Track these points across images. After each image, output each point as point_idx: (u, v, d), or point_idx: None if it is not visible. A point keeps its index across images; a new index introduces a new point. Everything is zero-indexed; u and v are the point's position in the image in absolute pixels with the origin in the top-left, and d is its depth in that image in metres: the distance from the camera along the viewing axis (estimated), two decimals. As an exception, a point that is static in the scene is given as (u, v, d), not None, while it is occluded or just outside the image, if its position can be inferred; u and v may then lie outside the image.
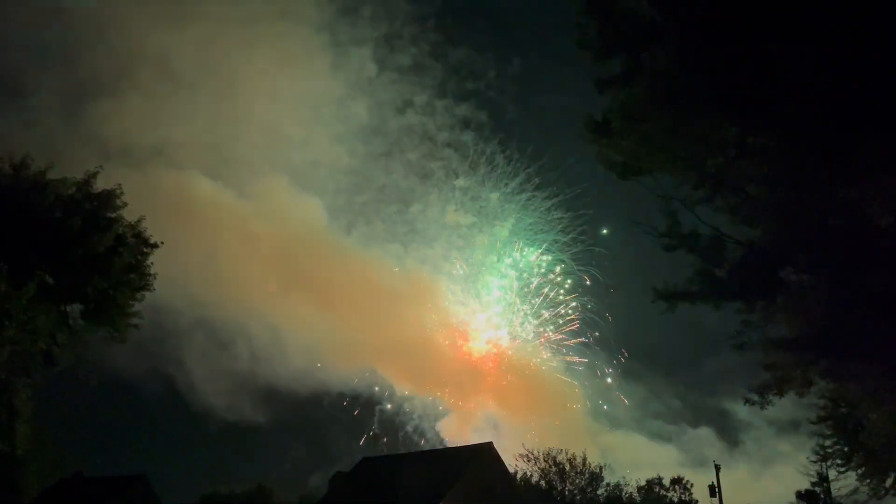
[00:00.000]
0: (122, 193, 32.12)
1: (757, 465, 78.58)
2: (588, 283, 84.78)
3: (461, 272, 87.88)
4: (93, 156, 69.90)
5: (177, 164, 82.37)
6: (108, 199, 31.88)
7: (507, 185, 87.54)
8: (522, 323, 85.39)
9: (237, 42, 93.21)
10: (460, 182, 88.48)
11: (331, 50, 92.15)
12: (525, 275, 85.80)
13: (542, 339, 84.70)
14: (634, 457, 76.69)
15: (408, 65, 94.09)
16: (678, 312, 23.24)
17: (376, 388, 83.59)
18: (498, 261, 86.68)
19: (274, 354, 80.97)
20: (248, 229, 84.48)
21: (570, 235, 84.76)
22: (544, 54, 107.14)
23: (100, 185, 32.00)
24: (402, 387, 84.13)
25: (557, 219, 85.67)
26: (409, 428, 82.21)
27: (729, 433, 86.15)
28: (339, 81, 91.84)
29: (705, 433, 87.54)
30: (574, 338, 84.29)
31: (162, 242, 32.99)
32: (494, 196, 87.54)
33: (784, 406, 25.20)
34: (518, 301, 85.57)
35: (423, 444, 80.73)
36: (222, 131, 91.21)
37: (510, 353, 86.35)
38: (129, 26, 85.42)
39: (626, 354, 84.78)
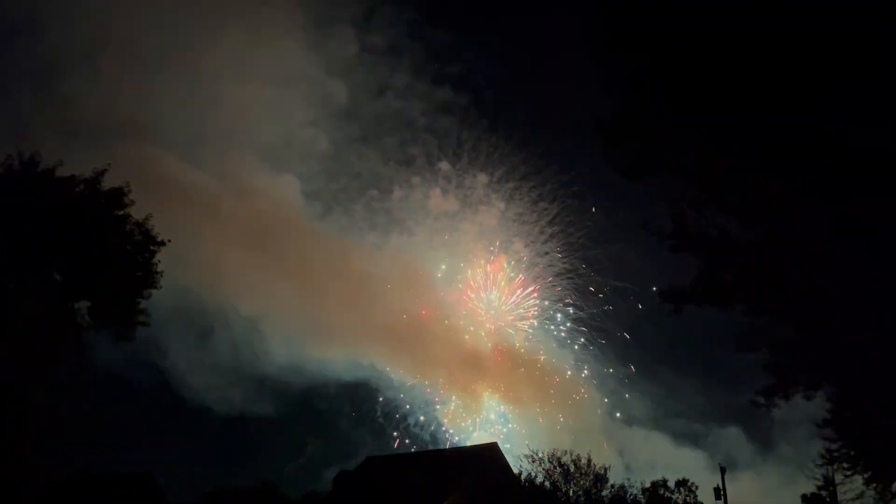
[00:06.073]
0: (129, 191, 32.31)
1: (791, 469, 73.37)
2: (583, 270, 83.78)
3: (448, 258, 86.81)
4: (58, 136, 69.13)
5: (146, 144, 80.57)
6: (117, 197, 32.09)
7: (492, 173, 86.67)
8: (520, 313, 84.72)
9: (208, 18, 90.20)
10: (444, 166, 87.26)
11: (307, 29, 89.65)
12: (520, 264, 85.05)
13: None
14: (656, 457, 74.77)
15: (387, 46, 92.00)
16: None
17: (377, 378, 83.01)
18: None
19: (265, 344, 79.87)
20: (223, 212, 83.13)
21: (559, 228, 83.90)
22: (530, 38, 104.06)
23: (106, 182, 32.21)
24: (403, 377, 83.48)
25: (544, 209, 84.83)
26: (412, 420, 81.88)
27: (761, 433, 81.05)
28: (314, 62, 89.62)
29: (734, 433, 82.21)
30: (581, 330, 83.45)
31: (169, 240, 33.15)
32: (479, 183, 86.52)
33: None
34: (509, 292, 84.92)
35: (427, 437, 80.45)
36: (193, 111, 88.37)
37: (513, 343, 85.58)
38: (95, 1, 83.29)
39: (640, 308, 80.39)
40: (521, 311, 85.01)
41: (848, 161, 16.84)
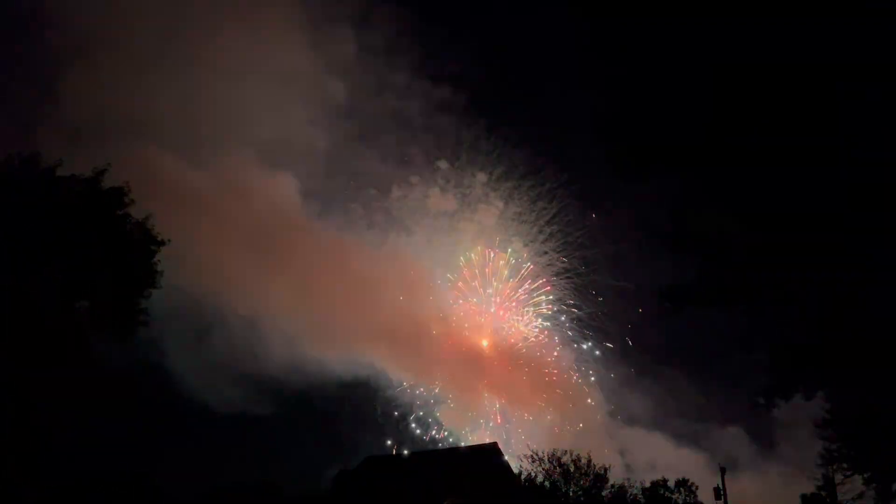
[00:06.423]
0: (129, 191, 32.31)
1: (791, 469, 72.30)
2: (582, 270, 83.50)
3: (447, 257, 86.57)
4: (58, 136, 68.85)
5: (145, 144, 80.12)
6: (117, 196, 32.10)
7: (491, 172, 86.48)
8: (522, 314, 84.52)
9: (207, 17, 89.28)
10: (442, 165, 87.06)
11: (305, 28, 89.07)
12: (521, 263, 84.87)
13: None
14: (656, 457, 74.70)
15: (386, 44, 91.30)
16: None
17: (376, 378, 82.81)
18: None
19: (264, 344, 79.50)
20: (222, 211, 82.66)
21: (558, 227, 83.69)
22: (530, 37, 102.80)
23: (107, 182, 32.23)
24: (402, 376, 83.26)
25: (543, 209, 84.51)
26: (411, 420, 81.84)
27: (761, 433, 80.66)
28: (313, 61, 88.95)
29: (734, 433, 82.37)
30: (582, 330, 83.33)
31: (169, 240, 33.16)
32: (478, 182, 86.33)
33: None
34: (510, 292, 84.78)
35: (426, 437, 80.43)
36: (192, 110, 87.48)
37: (512, 342, 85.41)
38: (94, 0, 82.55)
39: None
40: (520, 310, 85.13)
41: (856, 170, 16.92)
